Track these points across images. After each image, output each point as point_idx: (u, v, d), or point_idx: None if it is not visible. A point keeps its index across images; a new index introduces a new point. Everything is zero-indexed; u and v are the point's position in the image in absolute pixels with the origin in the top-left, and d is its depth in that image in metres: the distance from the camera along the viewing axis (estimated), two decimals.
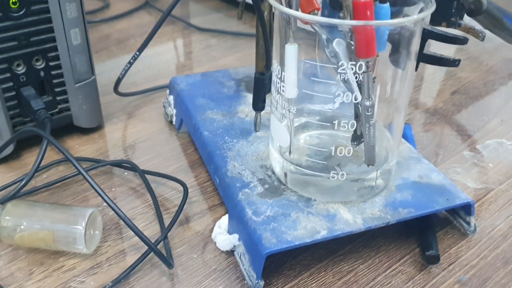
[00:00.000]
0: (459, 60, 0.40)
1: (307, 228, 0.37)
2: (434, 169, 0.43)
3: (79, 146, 0.52)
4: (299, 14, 0.35)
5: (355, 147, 0.40)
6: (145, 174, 0.47)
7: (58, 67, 0.49)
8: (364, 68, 0.34)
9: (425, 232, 0.41)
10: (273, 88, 0.39)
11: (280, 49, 0.37)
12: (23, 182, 0.42)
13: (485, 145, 0.53)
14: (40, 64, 0.48)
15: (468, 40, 0.40)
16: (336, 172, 0.38)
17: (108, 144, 0.53)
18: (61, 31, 0.47)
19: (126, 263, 0.38)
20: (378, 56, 0.34)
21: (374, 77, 0.36)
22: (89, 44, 0.50)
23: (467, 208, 0.41)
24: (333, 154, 0.37)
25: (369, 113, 0.36)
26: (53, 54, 0.48)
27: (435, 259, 0.39)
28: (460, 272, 0.38)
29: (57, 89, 0.50)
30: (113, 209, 0.37)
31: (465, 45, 0.40)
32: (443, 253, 0.40)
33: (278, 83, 0.38)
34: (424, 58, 0.40)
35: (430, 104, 0.62)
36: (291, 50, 0.36)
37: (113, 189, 0.46)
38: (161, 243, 0.40)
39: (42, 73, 0.49)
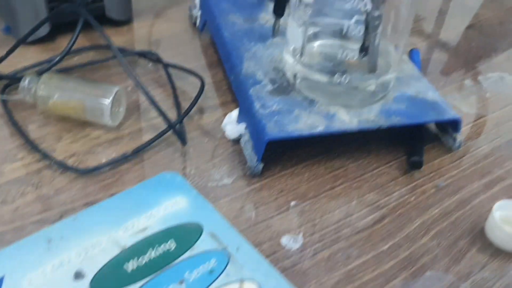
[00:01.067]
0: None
1: (307, 123, 0.41)
2: (431, 87, 0.46)
3: (109, 36, 0.56)
4: None
5: (362, 57, 0.43)
6: (167, 67, 0.51)
7: None
8: None
9: (413, 142, 0.45)
10: None
11: None
12: (57, 58, 0.47)
13: (486, 77, 0.56)
14: None
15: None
16: (341, 76, 0.42)
17: (135, 37, 0.57)
18: None
19: (145, 139, 0.43)
20: None
21: None
22: None
23: (454, 125, 0.45)
24: (340, 60, 0.41)
25: (376, 23, 0.39)
26: None
27: (418, 165, 0.43)
28: (439, 179, 0.43)
29: None
30: (141, 88, 0.41)
31: None
32: (427, 163, 0.44)
33: None
34: None
35: (442, 35, 0.64)
36: None
37: (137, 77, 0.51)
38: (177, 126, 0.44)
39: None
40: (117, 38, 0.56)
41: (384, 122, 0.42)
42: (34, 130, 0.44)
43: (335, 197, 0.40)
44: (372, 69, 0.41)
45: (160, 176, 0.40)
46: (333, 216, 0.39)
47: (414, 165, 0.43)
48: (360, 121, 0.42)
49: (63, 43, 0.55)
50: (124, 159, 0.41)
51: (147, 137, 0.44)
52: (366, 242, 0.37)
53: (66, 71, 0.50)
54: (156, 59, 0.52)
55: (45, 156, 0.41)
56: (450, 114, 0.43)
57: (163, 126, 0.43)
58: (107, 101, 0.42)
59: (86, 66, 0.51)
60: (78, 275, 0.33)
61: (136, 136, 0.44)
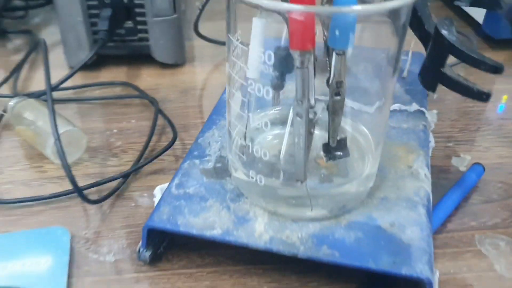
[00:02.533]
0: (488, 95, 0.28)
1: (207, 220, 0.32)
2: (425, 226, 0.32)
3: (146, 77, 0.55)
4: None
5: (327, 161, 0.33)
6: (158, 115, 0.47)
7: None
8: (298, 63, 0.27)
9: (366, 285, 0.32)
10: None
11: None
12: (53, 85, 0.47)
13: None
14: None
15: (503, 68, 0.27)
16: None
17: (176, 88, 0.54)
18: None
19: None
20: (313, 50, 0.27)
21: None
22: None
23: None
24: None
25: (300, 120, 0.29)
26: None
27: None
28: None
29: (138, 18, 0.54)
30: (58, 143, 0.38)
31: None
32: None
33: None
34: (442, 79, 0.30)
35: None
36: (258, 24, 0.31)
37: (132, 120, 0.48)
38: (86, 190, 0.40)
39: (125, 0, 0.52)
40: (156, 79, 0.55)
41: (303, 251, 0.31)
42: (4, 147, 0.45)
43: None
44: (298, 177, 0.30)
45: (50, 229, 0.37)
46: None
47: None
48: (273, 238, 0.31)
49: (105, 73, 0.56)
50: (37, 200, 0.39)
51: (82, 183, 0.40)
52: None
53: (81, 100, 0.51)
54: (152, 104, 0.49)
55: None
56: (414, 269, 0.29)
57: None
58: (51, 140, 0.41)
59: (99, 99, 0.51)
60: None
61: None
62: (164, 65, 0.57)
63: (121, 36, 0.55)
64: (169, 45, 0.55)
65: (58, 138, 0.37)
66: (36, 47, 0.59)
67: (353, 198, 0.34)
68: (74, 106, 0.51)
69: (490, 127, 0.49)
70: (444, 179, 0.42)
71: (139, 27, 0.54)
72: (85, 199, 0.38)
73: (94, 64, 0.56)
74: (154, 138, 0.46)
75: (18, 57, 0.57)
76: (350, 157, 0.33)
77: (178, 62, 0.57)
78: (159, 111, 0.48)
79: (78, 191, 0.37)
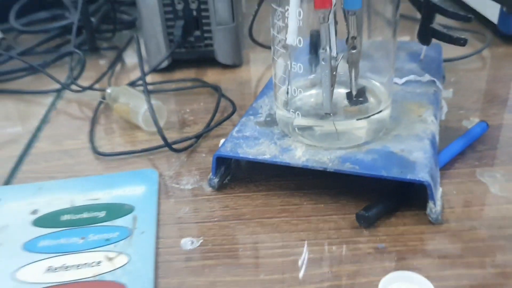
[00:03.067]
0: (465, 40, 0.38)
1: (259, 150, 0.43)
2: (429, 150, 0.42)
3: (211, 75, 0.68)
4: None
5: (351, 105, 0.43)
6: (222, 96, 0.59)
7: (206, 10, 0.66)
8: (321, 19, 0.39)
9: (383, 197, 0.41)
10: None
11: None
12: (142, 76, 0.60)
13: None
14: (194, 5, 0.65)
15: (472, 18, 0.37)
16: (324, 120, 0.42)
17: (235, 81, 0.67)
18: None
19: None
20: (332, 8, 0.38)
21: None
22: None
23: (424, 189, 0.39)
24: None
25: (325, 64, 0.40)
26: None
27: (361, 220, 0.39)
28: (385, 243, 0.38)
29: (204, 28, 0.67)
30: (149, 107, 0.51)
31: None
32: (395, 225, 0.40)
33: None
34: (432, 33, 0.40)
35: None
36: (294, 1, 0.43)
37: (201, 103, 0.61)
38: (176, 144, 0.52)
39: (194, 12, 0.66)
40: (219, 76, 0.67)
41: (331, 166, 0.41)
42: (103, 123, 0.58)
43: (265, 226, 0.41)
44: (326, 110, 0.41)
45: (142, 171, 0.49)
46: (246, 238, 0.40)
47: (359, 220, 0.40)
48: (309, 159, 0.42)
49: (178, 73, 0.69)
50: (131, 153, 0.51)
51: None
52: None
53: (161, 91, 0.64)
54: (216, 90, 0.61)
55: (91, 141, 0.54)
56: (416, 175, 0.39)
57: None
58: (142, 109, 0.53)
59: (174, 90, 0.64)
60: (35, 212, 0.44)
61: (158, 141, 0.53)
62: (225, 66, 0.70)
63: (191, 43, 0.68)
64: (229, 49, 0.68)
65: (150, 105, 0.50)
66: (130, 42, 0.74)
67: (371, 134, 0.44)
68: (157, 96, 0.64)
69: (499, 99, 0.57)
70: (454, 136, 0.50)
71: (205, 35, 0.67)
72: (171, 148, 0.50)
73: (169, 67, 0.69)
74: (218, 115, 0.58)
75: (113, 69, 0.72)
76: (368, 103, 0.44)
77: (236, 63, 0.69)
78: (221, 94, 0.60)
79: (166, 142, 0.49)
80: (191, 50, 0.69)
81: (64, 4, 0.81)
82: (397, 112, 0.47)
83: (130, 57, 0.77)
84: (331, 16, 0.39)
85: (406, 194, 0.42)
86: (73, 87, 0.65)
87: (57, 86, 0.66)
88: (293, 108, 0.44)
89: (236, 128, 0.47)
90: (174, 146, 0.51)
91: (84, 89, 0.63)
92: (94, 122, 0.58)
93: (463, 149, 0.48)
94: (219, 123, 0.54)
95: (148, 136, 0.55)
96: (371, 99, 0.45)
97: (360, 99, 0.44)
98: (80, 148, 0.54)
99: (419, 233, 0.39)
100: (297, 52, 0.44)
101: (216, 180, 0.45)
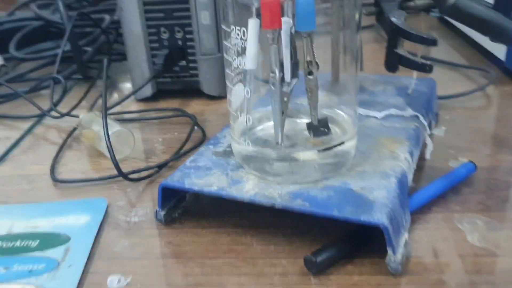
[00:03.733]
0: (430, 66, 0.34)
1: (208, 181, 0.40)
2: (393, 191, 0.37)
3: (194, 105, 0.66)
4: None
5: (313, 137, 0.40)
6: (195, 125, 0.56)
7: (191, 40, 0.64)
8: (269, 40, 0.35)
9: (339, 240, 0.36)
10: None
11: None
12: (112, 106, 0.58)
13: None
14: (179, 35, 0.64)
15: (437, 41, 0.33)
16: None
17: (218, 113, 0.64)
18: (194, 11, 0.61)
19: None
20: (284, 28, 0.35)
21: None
22: (217, 25, 0.62)
23: (380, 234, 0.34)
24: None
25: (274, 89, 0.36)
26: (188, 28, 0.63)
27: (309, 265, 0.35)
28: None
29: (190, 57, 0.65)
30: (106, 136, 0.49)
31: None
32: (350, 274, 0.35)
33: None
34: (397, 58, 0.36)
35: None
36: (253, 24, 0.40)
37: (175, 132, 0.58)
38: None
39: (180, 42, 0.64)
40: (203, 107, 0.65)
41: (280, 202, 0.36)
42: (73, 149, 0.56)
43: (205, 267, 0.37)
44: (276, 139, 0.37)
45: (91, 200, 0.46)
46: (179, 280, 0.36)
47: (307, 265, 0.35)
48: (257, 194, 0.37)
49: (163, 103, 0.67)
50: (88, 181, 0.49)
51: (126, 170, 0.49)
52: None
53: (139, 120, 0.62)
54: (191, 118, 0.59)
55: (52, 166, 0.52)
56: (372, 217, 0.34)
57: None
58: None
59: (152, 119, 0.62)
60: None
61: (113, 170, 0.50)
62: (210, 97, 0.67)
63: (176, 73, 0.66)
64: (214, 80, 0.65)
65: (106, 132, 0.47)
66: (108, 72, 0.73)
67: (332, 168, 0.39)
68: (136, 124, 0.62)
69: (496, 140, 0.52)
70: (437, 176, 0.45)
71: (191, 65, 0.65)
72: (125, 177, 0.47)
73: (155, 96, 0.67)
74: (190, 144, 0.54)
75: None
76: (331, 134, 0.40)
77: (221, 94, 0.67)
78: (196, 124, 0.57)
79: (119, 170, 0.46)
80: (177, 80, 0.67)
81: (76, 32, 0.81)
82: (367, 146, 0.43)
83: (124, 85, 0.76)
84: (285, 37, 0.35)
85: (366, 238, 0.37)
86: (54, 113, 0.64)
87: (40, 111, 0.65)
88: (250, 140, 0.40)
89: (191, 158, 0.44)
90: (133, 176, 0.48)
91: (62, 115, 0.62)
92: (61, 148, 0.56)
93: (443, 191, 0.43)
94: (185, 153, 0.51)
95: (112, 164, 0.52)
96: (335, 130, 0.41)
97: (323, 129, 0.39)
98: (41, 174, 0.52)
99: (376, 284, 0.34)
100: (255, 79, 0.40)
101: (163, 213, 0.41)
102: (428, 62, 0.34)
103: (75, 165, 0.53)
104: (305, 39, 0.36)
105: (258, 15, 0.37)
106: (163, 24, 0.63)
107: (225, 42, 0.39)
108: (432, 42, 0.33)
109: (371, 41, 0.41)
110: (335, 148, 0.39)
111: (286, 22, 0.36)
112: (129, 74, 0.67)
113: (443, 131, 0.53)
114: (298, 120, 0.44)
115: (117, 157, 0.52)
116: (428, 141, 0.48)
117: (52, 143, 0.58)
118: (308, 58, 0.37)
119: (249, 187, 0.38)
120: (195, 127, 0.58)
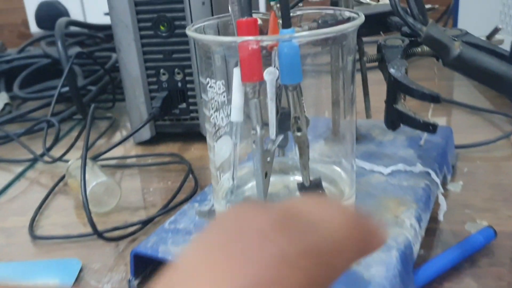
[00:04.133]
0: (434, 126, 0.29)
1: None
2: (394, 265, 0.32)
3: (194, 150, 0.62)
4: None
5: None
6: (191, 172, 0.52)
7: (192, 82, 0.60)
8: (249, 94, 0.31)
9: None
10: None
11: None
12: (102, 152, 0.55)
13: None
14: (179, 77, 0.61)
15: (441, 97, 0.28)
16: None
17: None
18: (194, 53, 0.58)
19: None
20: (262, 83, 0.31)
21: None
22: None
23: None
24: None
25: (255, 147, 0.32)
26: (189, 70, 0.60)
27: None
28: None
29: (190, 100, 0.61)
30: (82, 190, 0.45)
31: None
32: None
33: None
34: (396, 115, 0.31)
35: None
36: (237, 73, 0.36)
37: (169, 182, 0.54)
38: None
39: (180, 84, 0.61)
40: (203, 152, 0.61)
41: None
42: (60, 199, 0.53)
43: None
44: None
45: (65, 260, 0.42)
46: None
47: None
48: None
49: (162, 147, 0.63)
50: (66, 238, 0.45)
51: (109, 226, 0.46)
52: None
53: (133, 166, 0.58)
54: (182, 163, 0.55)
55: (32, 220, 0.48)
56: None
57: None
58: (89, 187, 0.47)
59: (147, 166, 0.58)
60: None
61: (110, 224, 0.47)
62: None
63: (176, 116, 0.63)
64: None
65: (83, 188, 0.44)
66: (111, 123, 0.70)
67: None
68: (129, 171, 0.58)
69: None
70: (450, 243, 0.40)
71: (191, 107, 0.62)
72: (101, 236, 0.43)
73: (155, 140, 0.64)
74: (182, 196, 0.50)
75: (101, 139, 0.68)
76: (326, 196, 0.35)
77: None
78: (190, 172, 0.53)
79: (94, 228, 0.42)
80: (177, 123, 0.63)
81: (75, 72, 0.80)
82: (369, 209, 0.38)
83: (127, 126, 0.73)
84: (270, 88, 0.31)
85: None
86: (47, 158, 0.61)
87: (33, 155, 0.62)
88: (235, 202, 0.36)
89: (172, 218, 0.39)
90: (113, 234, 0.44)
91: (54, 160, 0.59)
92: (47, 197, 0.53)
93: (457, 262, 0.37)
94: (174, 207, 0.47)
95: (97, 218, 0.48)
96: (331, 190, 0.36)
97: (316, 191, 0.35)
98: (20, 227, 0.48)
99: None
100: (245, 130, 0.36)
101: (136, 282, 0.37)
102: (432, 121, 0.29)
103: (58, 217, 0.50)
104: (291, 92, 0.32)
105: None
106: (162, 66, 0.60)
107: (203, 95, 0.35)
108: (435, 99, 0.28)
109: (381, 82, 0.36)
110: None
111: (271, 72, 0.32)
112: (128, 117, 0.64)
113: (460, 186, 0.48)
114: (292, 178, 0.39)
115: (101, 210, 0.49)
116: (442, 200, 0.43)
117: (41, 190, 0.55)
118: (296, 114, 0.32)
119: None
120: (190, 176, 0.54)
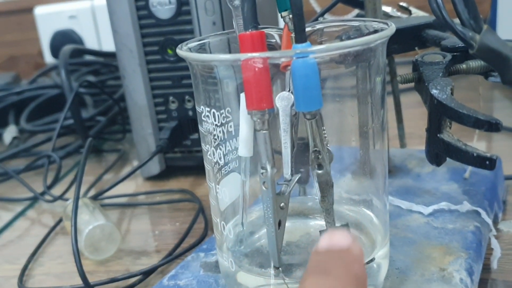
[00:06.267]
0: (492, 160, 0.23)
1: None
2: None
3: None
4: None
5: None
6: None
7: None
8: (256, 125, 0.25)
9: None
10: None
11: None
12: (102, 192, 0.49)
13: None
14: (190, 104, 0.55)
15: (501, 125, 0.22)
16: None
17: None
18: None
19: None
20: (272, 110, 0.25)
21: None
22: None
23: None
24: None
25: (265, 190, 0.26)
26: None
27: None
28: None
29: None
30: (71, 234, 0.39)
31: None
32: None
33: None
34: (441, 147, 0.25)
35: None
36: (243, 99, 0.30)
37: (177, 223, 0.48)
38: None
39: (190, 113, 0.56)
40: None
41: None
42: (57, 244, 0.47)
43: None
44: (274, 263, 0.26)
45: None
46: None
47: None
48: None
49: (173, 182, 0.58)
50: None
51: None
52: None
53: (140, 205, 0.53)
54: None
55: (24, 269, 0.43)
56: None
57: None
58: (85, 231, 0.42)
59: (154, 204, 0.53)
60: None
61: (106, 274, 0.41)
62: None
63: (188, 147, 0.57)
64: None
65: (75, 236, 0.38)
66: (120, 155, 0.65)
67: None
68: (135, 210, 0.53)
69: None
70: None
71: None
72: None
73: (165, 174, 0.59)
74: (190, 240, 0.44)
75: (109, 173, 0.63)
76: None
77: None
78: (201, 211, 0.47)
79: (87, 284, 0.37)
80: (188, 155, 0.58)
81: (80, 102, 0.76)
82: (408, 260, 0.31)
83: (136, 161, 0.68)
84: (284, 118, 0.25)
85: None
86: (48, 196, 0.56)
87: (33, 194, 0.57)
88: (242, 254, 0.30)
89: (172, 272, 0.33)
90: (111, 287, 0.38)
91: (55, 199, 0.54)
92: (42, 242, 0.47)
93: None
94: (177, 256, 0.41)
95: (94, 266, 0.43)
96: (361, 240, 0.30)
97: None
98: (10, 277, 0.43)
99: None
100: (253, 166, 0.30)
101: None
102: (489, 155, 0.23)
103: (52, 265, 0.44)
104: (309, 121, 0.26)
105: None
106: (171, 93, 0.55)
107: (200, 128, 0.29)
108: (494, 127, 0.22)
109: (415, 105, 0.31)
110: None
111: (285, 98, 0.26)
112: (136, 150, 0.59)
113: None
114: (313, 222, 0.33)
115: (99, 257, 0.43)
116: (495, 245, 0.36)
117: (38, 233, 0.50)
118: (316, 148, 0.26)
119: None
120: (201, 216, 0.48)
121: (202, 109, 0.28)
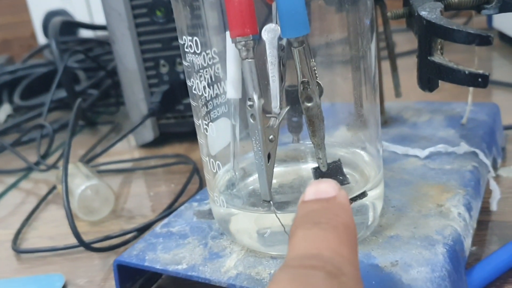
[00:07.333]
0: (484, 76, 0.22)
1: (177, 256, 0.28)
2: (441, 264, 0.24)
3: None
4: None
5: None
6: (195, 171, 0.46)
7: None
8: (241, 54, 0.25)
9: None
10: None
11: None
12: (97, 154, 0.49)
13: None
14: (181, 67, 0.54)
15: (493, 38, 0.21)
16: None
17: None
18: None
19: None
20: (257, 37, 0.24)
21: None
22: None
23: None
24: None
25: (253, 123, 0.25)
26: None
27: None
28: None
29: None
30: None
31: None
32: None
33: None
34: (432, 70, 0.24)
35: None
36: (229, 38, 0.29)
37: (172, 184, 0.47)
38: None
39: (182, 76, 0.55)
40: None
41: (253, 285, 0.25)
42: (50, 209, 0.47)
43: None
44: (264, 197, 0.25)
45: (47, 276, 0.36)
46: None
47: None
48: (240, 274, 0.26)
49: (166, 149, 0.57)
50: (50, 250, 0.39)
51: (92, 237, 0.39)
52: None
53: (135, 169, 0.52)
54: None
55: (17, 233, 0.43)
56: None
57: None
58: (78, 191, 0.41)
59: (148, 168, 0.52)
60: None
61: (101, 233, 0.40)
62: None
63: (181, 113, 0.56)
64: None
65: (66, 194, 0.38)
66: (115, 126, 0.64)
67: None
68: (130, 175, 0.52)
69: None
70: (508, 235, 0.32)
71: None
72: (87, 247, 0.36)
73: (159, 141, 0.58)
74: (184, 199, 0.44)
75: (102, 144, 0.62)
76: (349, 183, 0.28)
77: None
78: (195, 171, 0.47)
79: (78, 238, 0.36)
80: (182, 121, 0.57)
81: (71, 74, 0.74)
82: (404, 199, 0.30)
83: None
84: (271, 50, 0.24)
85: None
86: (43, 166, 0.55)
87: (27, 164, 0.56)
88: (234, 196, 0.29)
89: (165, 220, 0.33)
90: (104, 244, 0.38)
91: (49, 168, 0.53)
92: (36, 208, 0.47)
93: None
94: (171, 212, 0.40)
95: (89, 227, 0.42)
96: (354, 176, 0.29)
97: (336, 177, 0.28)
98: (4, 241, 0.42)
99: None
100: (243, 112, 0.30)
101: None
102: (481, 71, 0.22)
103: (46, 228, 0.44)
104: (296, 49, 0.25)
105: None
106: (162, 56, 0.54)
107: (184, 62, 0.28)
108: (485, 40, 0.21)
109: (412, 58, 0.30)
110: (353, 203, 0.27)
111: (271, 30, 0.25)
112: (129, 118, 0.58)
113: None
114: (304, 165, 0.32)
115: (93, 218, 0.43)
116: (494, 186, 0.35)
117: (33, 200, 0.50)
118: (304, 78, 0.25)
119: (231, 264, 0.27)
120: (196, 176, 0.47)
121: (185, 39, 0.27)
